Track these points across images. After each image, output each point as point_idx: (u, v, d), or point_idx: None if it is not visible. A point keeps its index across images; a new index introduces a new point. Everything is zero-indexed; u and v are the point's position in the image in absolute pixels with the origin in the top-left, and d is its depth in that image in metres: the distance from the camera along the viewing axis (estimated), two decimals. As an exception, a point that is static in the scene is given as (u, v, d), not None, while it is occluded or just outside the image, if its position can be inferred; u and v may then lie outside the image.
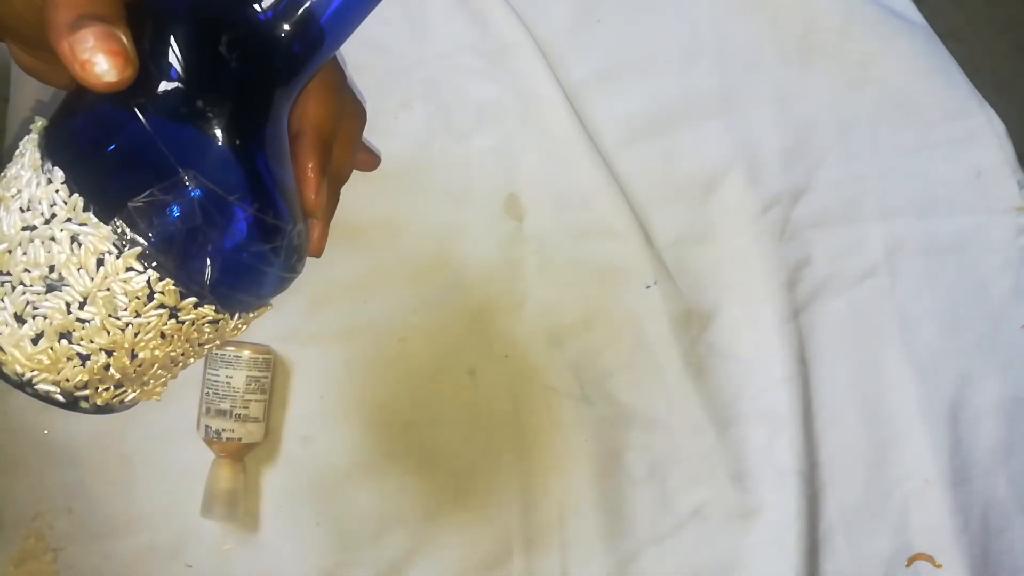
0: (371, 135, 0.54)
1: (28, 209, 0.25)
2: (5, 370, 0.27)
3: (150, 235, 0.25)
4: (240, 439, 0.48)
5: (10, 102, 0.53)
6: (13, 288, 0.26)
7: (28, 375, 0.27)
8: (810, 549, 0.52)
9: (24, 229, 0.25)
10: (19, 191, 0.26)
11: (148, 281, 0.26)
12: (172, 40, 0.25)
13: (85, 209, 0.25)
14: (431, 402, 0.53)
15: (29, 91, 0.52)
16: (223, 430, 0.48)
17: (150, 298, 0.26)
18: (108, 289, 0.26)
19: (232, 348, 0.48)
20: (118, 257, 0.25)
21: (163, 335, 0.27)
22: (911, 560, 0.53)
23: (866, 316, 0.56)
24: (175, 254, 0.26)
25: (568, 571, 0.51)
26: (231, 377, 0.48)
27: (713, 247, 0.56)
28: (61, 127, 0.26)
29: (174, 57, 0.25)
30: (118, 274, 0.26)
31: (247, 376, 0.48)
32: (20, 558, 0.48)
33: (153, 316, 0.27)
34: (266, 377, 0.49)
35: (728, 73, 0.58)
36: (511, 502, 0.52)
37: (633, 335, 0.55)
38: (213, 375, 0.48)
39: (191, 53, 0.26)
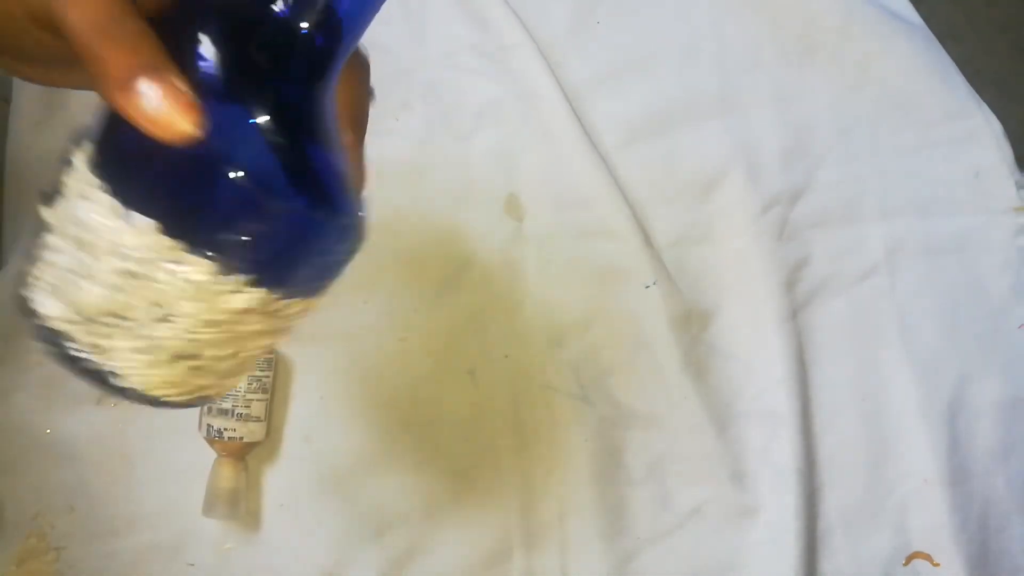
0: (371, 135, 0.54)
1: (119, 254, 0.26)
2: (142, 395, 0.29)
3: (241, 258, 0.26)
4: (242, 438, 0.48)
5: (12, 102, 0.53)
6: (126, 328, 0.27)
7: (161, 396, 0.29)
8: (809, 548, 0.52)
9: (121, 274, 0.26)
10: (105, 238, 0.26)
11: (246, 297, 0.27)
12: (206, 56, 0.26)
13: (178, 248, 0.26)
14: (431, 402, 0.53)
15: (31, 91, 0.52)
16: (225, 429, 0.48)
17: (249, 310, 0.28)
18: (212, 311, 0.27)
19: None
20: (216, 283, 0.27)
21: (261, 334, 0.30)
22: (909, 559, 0.53)
23: (865, 316, 0.56)
24: (266, 268, 0.27)
25: (568, 569, 0.51)
26: (232, 377, 0.48)
27: (713, 247, 0.56)
28: (121, 165, 0.26)
29: (214, 74, 0.26)
30: (219, 296, 0.27)
31: (248, 376, 0.48)
32: (22, 557, 0.48)
33: (254, 323, 0.29)
34: (268, 376, 0.50)
35: (728, 73, 0.58)
36: (511, 501, 0.52)
37: (633, 335, 0.55)
38: (214, 375, 0.48)
39: (228, 66, 0.26)
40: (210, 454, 0.49)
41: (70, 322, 0.27)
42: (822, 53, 0.59)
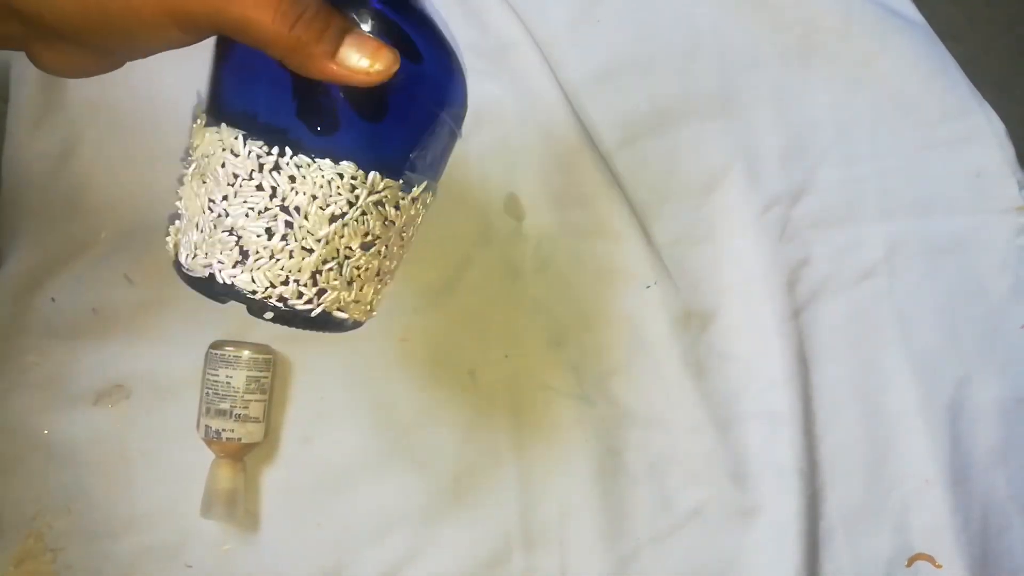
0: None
1: (328, 204, 0.27)
2: (355, 323, 0.31)
3: (419, 169, 0.29)
4: (240, 439, 0.48)
5: (10, 102, 0.53)
6: (340, 265, 0.29)
7: (365, 318, 0.32)
8: (810, 549, 0.52)
9: (333, 220, 0.28)
10: (308, 195, 0.27)
11: (420, 201, 0.30)
12: None
13: (377, 178, 0.28)
14: (431, 402, 0.53)
15: (29, 91, 0.52)
16: (223, 430, 0.48)
17: (420, 212, 0.31)
18: (399, 223, 0.30)
19: (232, 348, 0.48)
20: (403, 198, 0.29)
21: (416, 230, 0.33)
22: (911, 560, 0.53)
23: (865, 316, 0.56)
24: (429, 170, 0.30)
25: (568, 570, 0.51)
26: (231, 377, 0.48)
27: (713, 247, 0.56)
28: (304, 123, 0.27)
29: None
30: (408, 209, 0.30)
31: (247, 376, 0.48)
32: (20, 558, 0.48)
33: (417, 221, 0.31)
34: (266, 377, 0.49)
35: (728, 73, 0.58)
36: (511, 502, 0.52)
37: (633, 335, 0.55)
38: (213, 375, 0.48)
39: None
40: (208, 455, 0.49)
41: (284, 284, 0.28)
42: (822, 53, 0.59)
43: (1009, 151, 0.58)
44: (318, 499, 0.51)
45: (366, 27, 0.27)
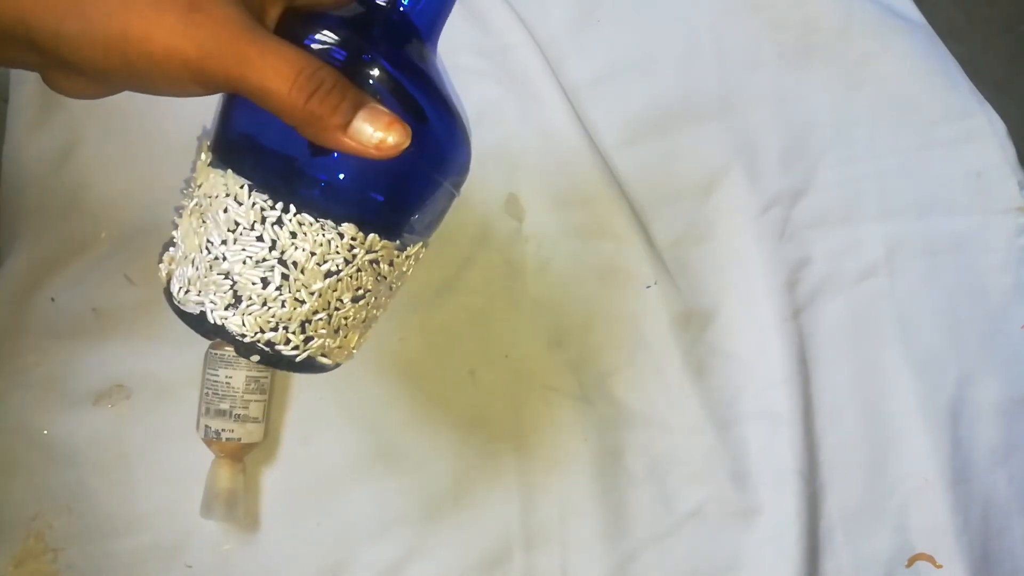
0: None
1: (325, 261, 0.28)
2: (335, 366, 0.31)
3: (417, 230, 0.30)
4: (240, 439, 0.48)
5: (10, 102, 0.53)
6: (329, 316, 0.29)
7: (344, 361, 0.32)
8: (810, 549, 0.52)
9: (328, 276, 0.28)
10: (307, 251, 0.28)
11: (414, 257, 0.31)
12: (330, 46, 0.27)
13: (376, 239, 0.28)
14: (431, 402, 0.53)
15: (29, 91, 0.52)
16: (223, 430, 0.48)
17: (412, 267, 0.32)
18: (391, 278, 0.30)
19: (231, 349, 0.48)
20: (398, 256, 0.30)
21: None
22: (911, 560, 0.53)
23: (866, 316, 0.56)
24: (428, 229, 0.31)
25: (568, 570, 0.51)
26: (231, 377, 0.48)
27: (713, 247, 0.56)
28: (313, 187, 0.28)
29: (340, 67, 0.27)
30: (402, 268, 0.31)
31: (247, 376, 0.48)
32: (20, 558, 0.48)
33: (407, 278, 0.32)
34: (266, 377, 0.49)
35: (727, 73, 0.58)
36: (511, 502, 0.52)
37: (633, 335, 0.55)
38: (213, 375, 0.48)
39: (352, 52, 0.27)
40: (208, 455, 0.49)
41: (273, 330, 0.29)
42: (822, 53, 0.59)
43: (1010, 151, 0.58)
44: (317, 499, 0.51)
45: (372, 83, 0.27)
